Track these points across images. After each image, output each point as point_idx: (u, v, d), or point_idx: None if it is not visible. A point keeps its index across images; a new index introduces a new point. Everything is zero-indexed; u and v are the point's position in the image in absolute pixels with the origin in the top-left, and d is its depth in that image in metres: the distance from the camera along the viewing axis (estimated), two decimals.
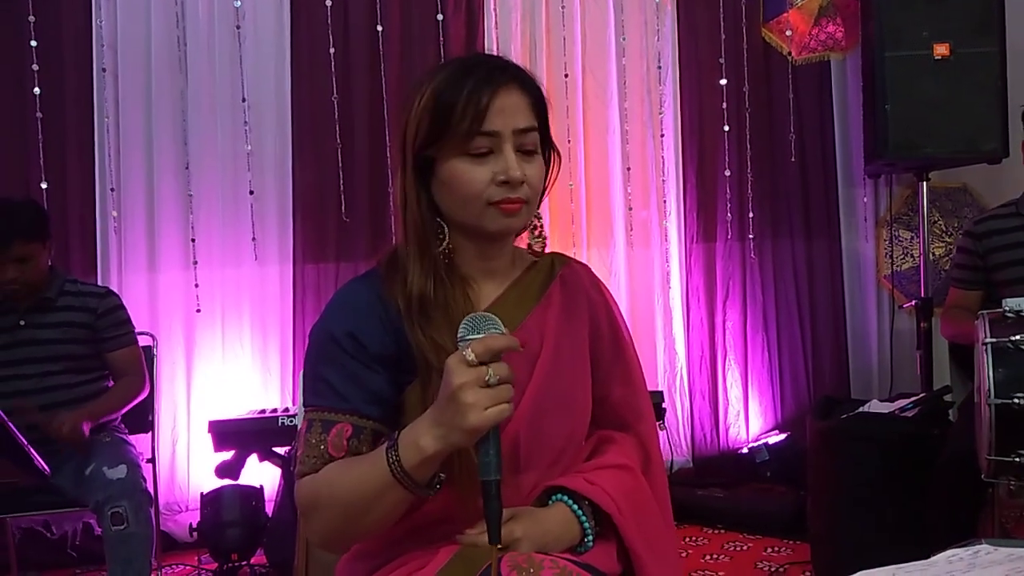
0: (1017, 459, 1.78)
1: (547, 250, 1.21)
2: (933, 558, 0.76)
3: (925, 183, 3.35)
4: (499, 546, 1.00)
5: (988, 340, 1.83)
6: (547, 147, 1.15)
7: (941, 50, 3.11)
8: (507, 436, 1.07)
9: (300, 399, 1.20)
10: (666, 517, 1.22)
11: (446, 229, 1.10)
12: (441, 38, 3.33)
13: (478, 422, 0.91)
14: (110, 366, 2.53)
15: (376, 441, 1.06)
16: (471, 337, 0.95)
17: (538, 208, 1.15)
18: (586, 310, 1.21)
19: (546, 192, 1.17)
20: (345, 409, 1.06)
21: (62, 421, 2.27)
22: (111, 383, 2.55)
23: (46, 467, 2.23)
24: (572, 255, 1.29)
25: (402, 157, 1.11)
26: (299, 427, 1.10)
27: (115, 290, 2.74)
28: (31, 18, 3.02)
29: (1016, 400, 1.76)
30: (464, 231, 1.11)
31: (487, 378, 0.92)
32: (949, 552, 0.77)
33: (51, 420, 2.27)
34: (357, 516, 1.02)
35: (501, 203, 1.06)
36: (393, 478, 0.97)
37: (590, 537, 1.11)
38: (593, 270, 1.30)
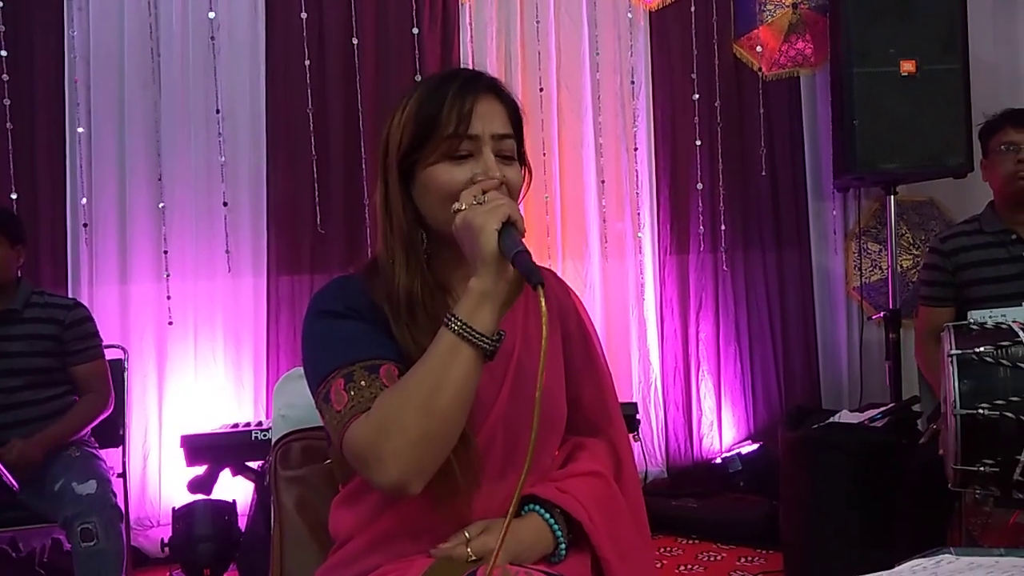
0: (982, 468, 1.81)
1: None
2: (897, 568, 0.77)
3: (893, 197, 3.42)
4: (473, 558, 1.02)
5: (953, 352, 1.86)
6: (522, 159, 1.17)
7: (908, 67, 3.18)
8: (484, 438, 1.08)
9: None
10: (639, 523, 1.22)
11: (425, 236, 1.13)
12: (416, 52, 3.34)
13: (483, 220, 0.99)
14: (75, 380, 2.49)
15: None
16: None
17: None
18: (556, 314, 1.23)
19: (519, 203, 1.19)
20: (383, 356, 1.05)
21: (12, 446, 2.26)
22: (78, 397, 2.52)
23: (15, 483, 2.20)
24: (548, 267, 1.31)
25: (384, 166, 1.14)
26: (324, 392, 1.04)
27: (85, 302, 2.71)
28: (1, 27, 3.00)
29: (981, 410, 1.79)
30: (442, 237, 1.12)
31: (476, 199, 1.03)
32: (913, 562, 0.79)
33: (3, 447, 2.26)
34: (432, 402, 0.97)
35: None
36: (456, 336, 0.98)
37: (563, 546, 1.12)
38: (567, 281, 1.33)
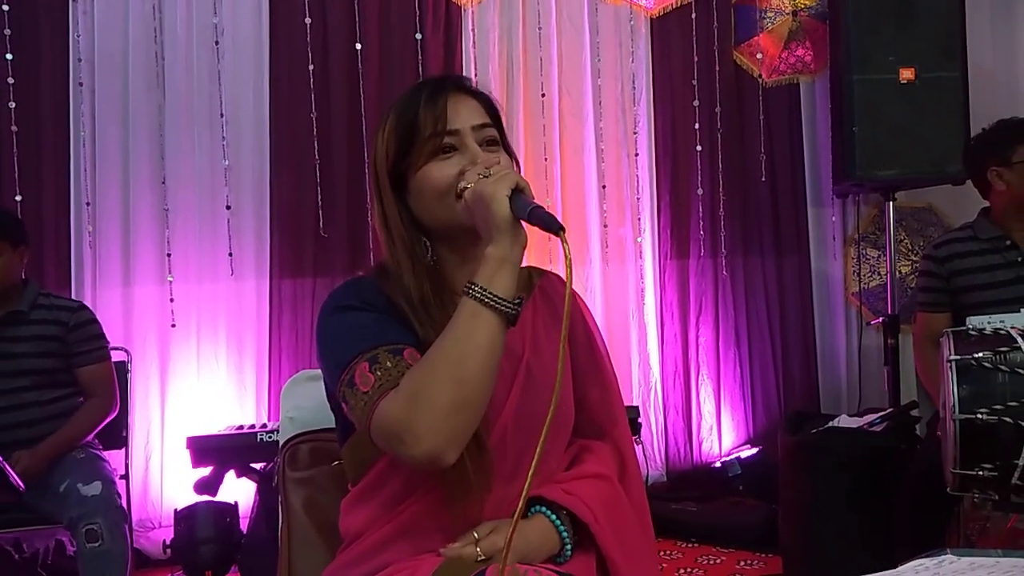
0: (981, 473, 1.82)
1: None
2: (899, 568, 0.79)
3: (891, 203, 3.44)
4: (482, 557, 1.04)
5: (952, 357, 1.88)
6: (506, 150, 1.19)
7: (907, 74, 3.21)
8: (495, 439, 1.10)
9: (333, 376, 1.13)
10: (644, 526, 1.24)
11: (427, 243, 1.15)
12: (420, 57, 3.36)
13: (492, 188, 1.02)
14: (79, 382, 2.50)
15: None
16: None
17: None
18: (560, 316, 1.24)
19: None
20: (405, 341, 1.07)
21: (18, 459, 2.26)
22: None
23: (21, 483, 2.21)
24: (550, 270, 1.33)
25: (376, 181, 1.17)
26: (347, 378, 1.05)
27: (89, 305, 2.72)
28: (7, 31, 3.02)
29: (979, 415, 1.81)
30: (444, 239, 1.15)
31: (481, 174, 1.06)
32: (915, 562, 0.80)
33: (9, 457, 2.25)
34: (460, 371, 0.99)
35: None
36: (477, 303, 1.00)
37: (569, 547, 1.13)
38: None
